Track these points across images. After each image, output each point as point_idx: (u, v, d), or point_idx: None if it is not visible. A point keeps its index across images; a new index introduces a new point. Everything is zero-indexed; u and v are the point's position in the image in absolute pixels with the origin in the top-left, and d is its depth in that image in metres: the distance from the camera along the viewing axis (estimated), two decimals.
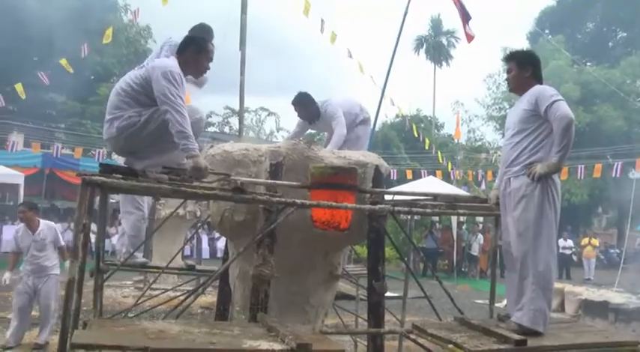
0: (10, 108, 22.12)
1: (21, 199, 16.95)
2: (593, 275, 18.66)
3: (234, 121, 31.32)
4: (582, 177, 21.40)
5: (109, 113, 3.96)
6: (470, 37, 12.47)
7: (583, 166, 20.36)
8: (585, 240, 19.78)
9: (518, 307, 3.40)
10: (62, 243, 7.18)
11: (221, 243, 19.23)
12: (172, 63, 3.86)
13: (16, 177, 16.58)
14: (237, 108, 27.32)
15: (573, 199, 25.04)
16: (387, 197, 4.28)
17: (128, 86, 3.91)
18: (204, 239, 19.33)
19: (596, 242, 19.84)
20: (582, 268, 19.49)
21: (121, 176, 3.15)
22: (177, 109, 3.64)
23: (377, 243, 4.02)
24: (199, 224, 11.27)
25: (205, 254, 18.79)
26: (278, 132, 34.04)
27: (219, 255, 18.81)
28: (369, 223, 3.99)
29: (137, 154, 3.99)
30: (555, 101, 3.45)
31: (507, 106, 30.29)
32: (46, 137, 23.22)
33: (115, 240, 16.28)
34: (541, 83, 3.76)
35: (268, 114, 34.41)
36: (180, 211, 10.96)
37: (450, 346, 3.08)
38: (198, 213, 11.16)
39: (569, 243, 19.97)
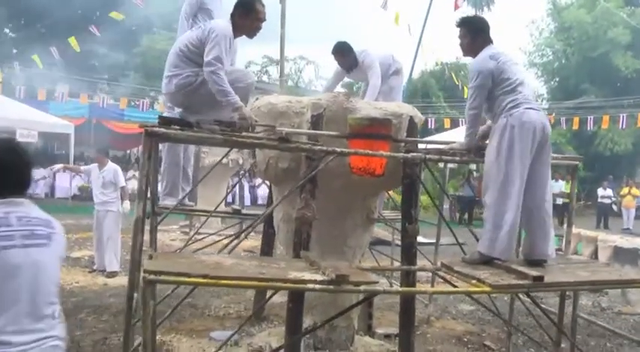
0: (57, 59, 22.82)
1: (72, 148, 17.78)
2: (632, 225, 18.58)
3: (273, 70, 31.41)
4: (624, 127, 20.96)
5: (168, 70, 4.31)
6: (457, 6, 12.57)
7: (625, 115, 19.93)
8: (625, 190, 19.59)
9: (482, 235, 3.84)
10: (123, 183, 7.97)
11: (261, 191, 19.83)
12: (224, 26, 4.15)
13: (67, 126, 17.29)
14: (275, 57, 27.42)
15: (616, 148, 24.60)
16: (421, 145, 4.55)
17: (185, 47, 4.24)
18: (246, 186, 19.95)
19: (637, 192, 19.63)
20: (622, 218, 19.41)
21: (178, 127, 3.51)
22: (214, 70, 3.99)
23: (410, 188, 4.31)
24: (242, 172, 11.74)
25: (246, 201, 19.45)
26: (317, 80, 34.02)
27: (260, 202, 19.43)
28: (403, 170, 4.27)
29: (192, 108, 4.35)
30: (470, 88, 3.95)
31: (550, 53, 29.49)
32: (90, 88, 23.95)
33: None
34: (490, 43, 4.02)
35: (307, 63, 34.34)
36: (224, 160, 11.45)
37: (474, 281, 3.40)
38: (241, 161, 11.62)
39: (609, 192, 19.81)
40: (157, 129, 3.42)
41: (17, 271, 1.98)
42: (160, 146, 5.87)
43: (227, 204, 12.83)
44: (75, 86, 23.05)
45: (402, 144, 4.28)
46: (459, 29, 4.10)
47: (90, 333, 5.28)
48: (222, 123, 3.74)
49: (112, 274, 7.81)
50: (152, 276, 2.83)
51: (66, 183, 18.87)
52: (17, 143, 2.35)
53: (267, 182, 6.00)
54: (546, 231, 3.81)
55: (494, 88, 3.82)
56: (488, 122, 4.11)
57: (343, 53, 6.25)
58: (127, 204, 8.14)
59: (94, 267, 8.10)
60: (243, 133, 3.77)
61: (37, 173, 19.76)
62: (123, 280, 7.51)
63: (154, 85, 23.91)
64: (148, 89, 24.59)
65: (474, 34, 4.03)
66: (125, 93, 22.96)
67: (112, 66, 27.41)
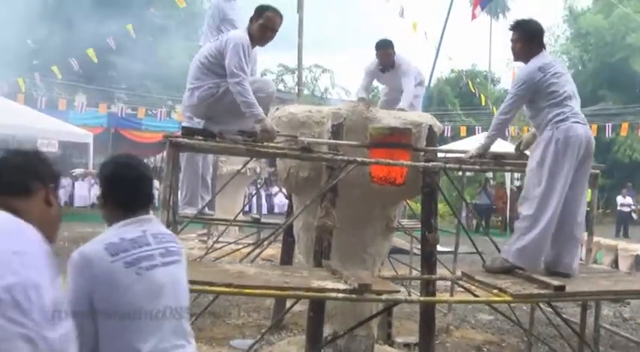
0: (76, 70, 23.17)
1: (91, 157, 18.02)
2: None
3: (288, 79, 31.53)
4: None
5: (190, 83, 4.37)
6: (474, 16, 12.88)
7: None
8: None
9: (508, 243, 3.83)
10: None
11: (278, 199, 19.90)
12: (241, 35, 4.21)
13: (86, 136, 17.51)
14: (290, 65, 27.59)
15: (636, 155, 24.34)
16: (440, 154, 4.57)
17: (205, 59, 4.30)
18: (262, 195, 20.04)
19: None
20: None
21: (202, 138, 3.57)
22: (239, 81, 4.03)
23: (430, 197, 4.33)
24: (259, 181, 11.81)
25: (263, 209, 19.52)
26: (333, 88, 34.07)
27: (277, 210, 19.50)
28: (422, 179, 4.29)
29: (215, 119, 4.41)
30: (510, 93, 3.99)
31: (566, 59, 29.29)
32: (108, 98, 24.24)
33: None
34: (542, 49, 3.99)
35: (323, 71, 34.42)
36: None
37: (495, 291, 3.40)
38: (258, 170, 11.69)
39: (628, 200, 19.58)
40: (181, 139, 3.48)
41: (162, 290, 1.98)
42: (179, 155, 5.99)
43: (244, 213, 12.95)
44: (94, 96, 23.36)
45: (422, 153, 4.31)
46: (511, 32, 4.01)
47: None
48: (244, 134, 3.80)
49: None
50: None
51: (85, 192, 19.09)
52: (141, 159, 2.33)
53: (285, 191, 6.03)
54: (575, 245, 3.79)
55: (540, 100, 3.78)
56: (532, 130, 4.10)
57: (390, 49, 6.21)
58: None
59: None
60: (266, 143, 3.82)
61: None
62: None
63: (171, 95, 24.18)
64: (166, 98, 24.86)
65: (527, 39, 3.94)
66: (143, 103, 23.22)
67: (129, 76, 27.76)
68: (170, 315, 2.00)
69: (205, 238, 11.54)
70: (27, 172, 1.62)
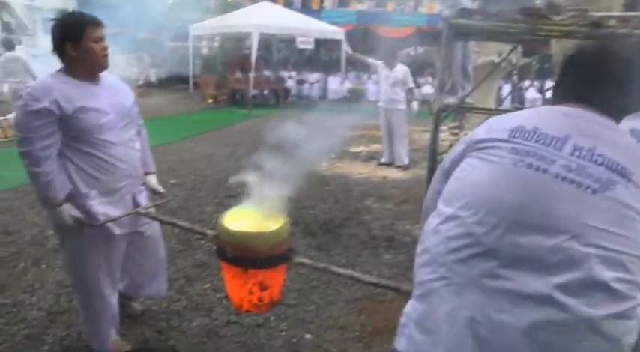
0: None
1: (343, 53, 18.91)
2: None
3: None
4: None
5: None
6: None
7: None
8: None
9: None
10: (411, 84, 8.55)
11: (529, 94, 18.73)
12: None
13: (338, 33, 18.30)
14: None
15: None
16: None
17: None
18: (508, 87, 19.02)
19: None
20: None
21: (481, 18, 3.44)
22: None
23: None
24: (514, 72, 11.21)
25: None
26: None
27: (527, 105, 18.39)
28: None
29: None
30: None
31: None
32: None
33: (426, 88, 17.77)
34: None
35: None
36: (496, 58, 10.99)
37: None
38: (514, 61, 11.04)
39: None
40: (459, 21, 3.41)
41: None
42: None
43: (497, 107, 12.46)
44: None
45: None
46: None
47: (376, 219, 5.80)
48: (525, 11, 3.55)
49: (404, 167, 8.40)
50: None
51: (337, 86, 20.25)
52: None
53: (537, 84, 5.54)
54: None
55: None
56: None
57: None
58: (414, 104, 8.63)
59: (382, 160, 8.78)
60: (550, 21, 3.52)
61: (311, 77, 21.61)
62: (399, 174, 8.02)
63: None
64: None
65: None
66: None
67: None
68: None
69: (457, 131, 11.52)
70: None
